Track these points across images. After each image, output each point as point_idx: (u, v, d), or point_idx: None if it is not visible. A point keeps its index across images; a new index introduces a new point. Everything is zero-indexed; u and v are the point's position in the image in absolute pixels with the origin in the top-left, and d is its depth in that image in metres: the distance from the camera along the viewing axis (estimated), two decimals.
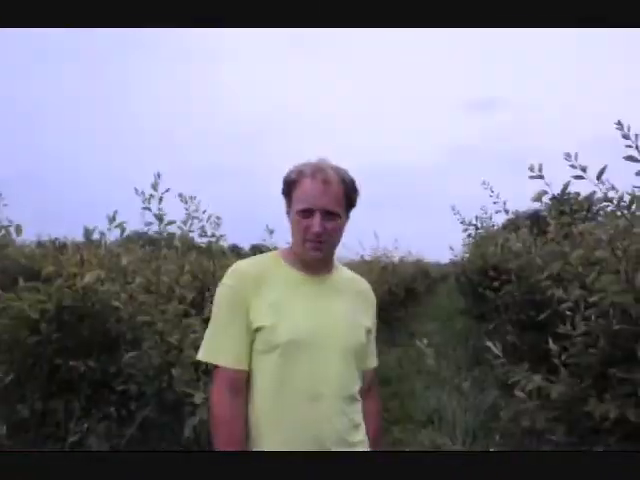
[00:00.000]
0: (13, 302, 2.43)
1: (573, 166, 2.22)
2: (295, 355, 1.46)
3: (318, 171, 1.50)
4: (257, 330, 1.48)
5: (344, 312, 1.57)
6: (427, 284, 20.50)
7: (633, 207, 2.20)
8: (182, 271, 3.04)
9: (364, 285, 1.73)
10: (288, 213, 1.58)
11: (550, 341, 2.41)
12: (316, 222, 1.47)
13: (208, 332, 1.54)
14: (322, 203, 1.48)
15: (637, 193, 2.20)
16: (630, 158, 2.10)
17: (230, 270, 1.56)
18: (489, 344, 2.31)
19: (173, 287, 2.86)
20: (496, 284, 4.75)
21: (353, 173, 1.57)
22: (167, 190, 3.26)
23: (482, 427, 4.60)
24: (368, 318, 1.66)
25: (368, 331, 1.62)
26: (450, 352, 7.65)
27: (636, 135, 2.11)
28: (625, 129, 2.15)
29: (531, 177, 2.37)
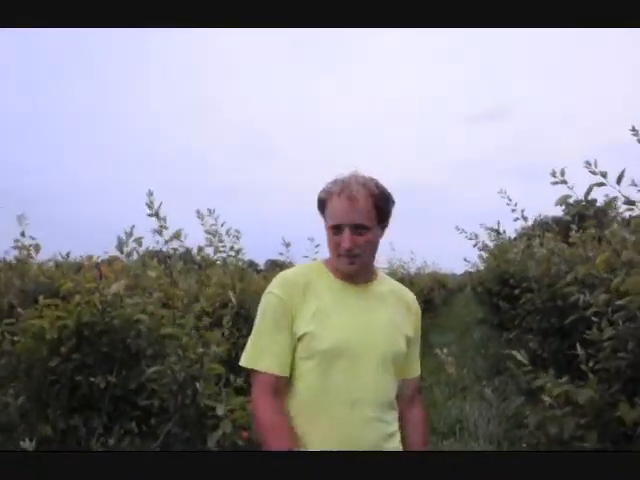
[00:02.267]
0: (33, 320, 2.44)
1: (593, 172, 2.21)
2: (334, 362, 1.49)
3: (344, 189, 1.52)
4: (300, 338, 1.51)
5: (385, 320, 1.59)
6: (444, 295, 20.37)
7: None
8: (203, 285, 3.03)
9: (408, 295, 1.74)
10: (326, 229, 1.61)
11: (578, 346, 2.36)
12: (346, 238, 1.51)
13: (252, 339, 1.57)
14: (349, 219, 1.51)
15: None
16: None
17: (276, 279, 1.60)
18: (514, 352, 2.28)
19: (192, 301, 2.85)
20: (516, 292, 4.70)
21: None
22: (160, 204, 3.25)
23: (506, 436, 4.53)
24: (410, 327, 1.67)
25: (409, 340, 1.64)
26: (469, 362, 7.58)
27: None
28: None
29: (554, 183, 2.35)
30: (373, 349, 1.54)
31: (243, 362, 1.56)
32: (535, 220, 5.30)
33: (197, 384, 2.31)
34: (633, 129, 2.25)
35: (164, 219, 3.20)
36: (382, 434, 1.53)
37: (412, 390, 1.72)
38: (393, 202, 1.60)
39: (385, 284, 1.68)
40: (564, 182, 2.34)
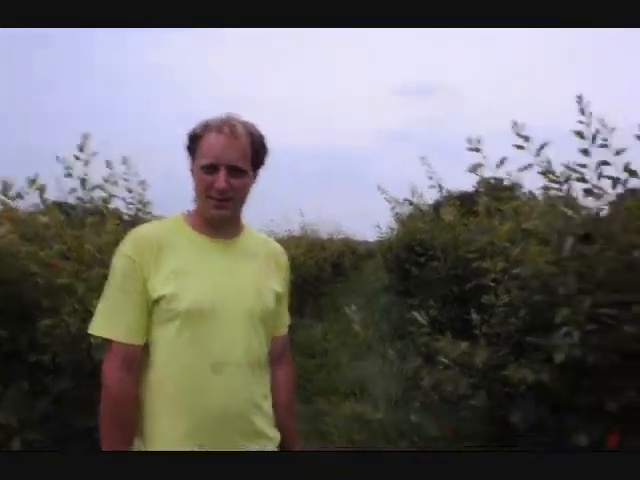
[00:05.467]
0: None
1: (519, 135, 2.24)
2: (197, 323, 1.37)
3: (225, 124, 1.40)
4: (157, 301, 1.37)
5: (252, 276, 1.49)
6: (354, 261, 20.86)
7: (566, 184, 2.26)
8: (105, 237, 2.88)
9: (277, 248, 1.64)
10: (192, 171, 1.46)
11: (472, 312, 2.48)
12: (221, 178, 1.38)
13: (100, 304, 1.42)
14: (228, 158, 1.38)
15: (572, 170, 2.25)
16: (579, 134, 2.15)
17: (127, 236, 1.44)
18: (414, 313, 2.35)
19: (95, 255, 2.70)
20: (422, 260, 4.85)
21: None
22: (94, 154, 3.12)
23: (404, 396, 4.75)
24: (279, 282, 1.57)
25: (278, 296, 1.55)
26: (374, 326, 7.84)
27: (590, 113, 2.16)
28: (583, 104, 2.18)
29: (469, 149, 2.39)
30: (240, 308, 1.43)
31: (91, 329, 1.41)
32: (448, 192, 5.47)
33: (91, 338, 2.19)
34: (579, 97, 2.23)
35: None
36: (254, 397, 1.45)
37: (281, 348, 1.63)
38: (268, 150, 1.50)
39: (252, 238, 1.57)
40: (477, 150, 2.38)
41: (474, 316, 2.45)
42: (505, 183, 2.77)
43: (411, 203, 6.50)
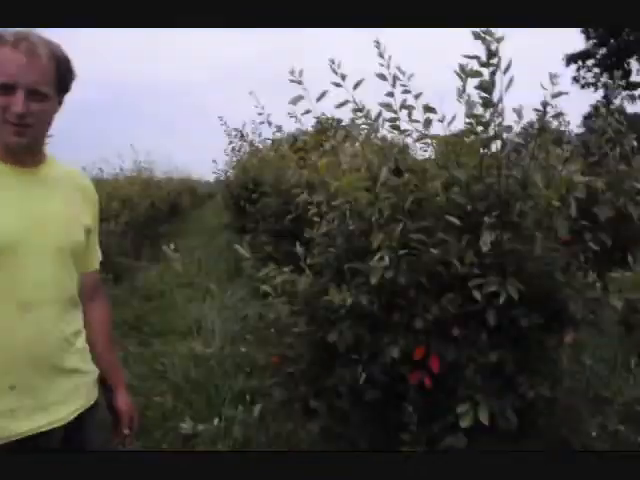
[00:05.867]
0: None
1: (335, 72, 2.28)
2: (1, 260, 1.27)
3: (23, 39, 1.25)
4: None
5: (59, 209, 1.40)
6: (193, 201, 20.42)
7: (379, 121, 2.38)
8: None
9: (84, 180, 1.56)
10: None
11: (297, 244, 2.57)
12: (19, 101, 1.23)
13: None
14: (27, 78, 1.24)
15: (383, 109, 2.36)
16: (381, 76, 2.24)
17: None
18: (236, 247, 2.37)
19: None
20: (254, 196, 4.88)
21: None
22: None
23: (242, 331, 4.86)
24: (88, 216, 1.49)
25: (88, 230, 1.47)
26: (212, 265, 7.82)
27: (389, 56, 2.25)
28: (381, 48, 2.26)
29: (291, 81, 2.38)
30: (47, 242, 1.34)
31: None
32: (278, 128, 5.50)
33: None
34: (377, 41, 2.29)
35: None
36: (65, 334, 1.39)
37: (93, 283, 1.58)
38: (75, 75, 1.38)
39: (57, 168, 1.46)
40: (300, 82, 2.39)
41: (298, 249, 2.53)
42: (329, 120, 2.85)
43: (242, 135, 6.46)
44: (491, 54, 2.06)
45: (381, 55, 2.25)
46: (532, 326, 2.15)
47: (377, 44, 2.27)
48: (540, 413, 2.34)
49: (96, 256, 1.59)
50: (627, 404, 3.42)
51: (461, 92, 2.16)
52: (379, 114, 2.31)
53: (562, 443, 2.67)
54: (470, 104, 2.17)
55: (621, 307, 2.05)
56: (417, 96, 2.23)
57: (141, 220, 8.93)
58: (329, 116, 2.74)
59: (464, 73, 2.08)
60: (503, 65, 2.04)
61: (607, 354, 4.16)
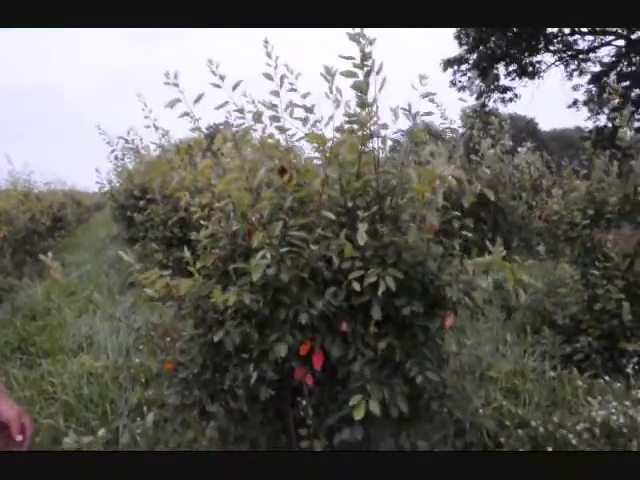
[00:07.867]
0: None
1: (214, 73, 2.29)
2: None
3: None
4: None
5: None
6: (80, 213, 19.43)
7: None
8: None
9: None
10: None
11: (185, 249, 2.54)
12: None
13: None
14: None
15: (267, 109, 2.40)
16: (267, 76, 2.28)
17: None
18: (120, 253, 2.31)
19: None
20: (141, 204, 4.75)
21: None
22: None
23: (134, 343, 4.70)
24: None
25: None
26: (102, 278, 7.48)
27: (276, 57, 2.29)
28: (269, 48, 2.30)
29: (166, 83, 2.36)
30: None
31: None
32: (165, 132, 5.36)
33: None
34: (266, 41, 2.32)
35: None
36: None
37: None
38: None
39: None
40: (176, 85, 2.36)
41: (186, 253, 2.51)
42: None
43: (127, 141, 6.24)
44: (365, 56, 2.17)
45: (269, 55, 2.29)
46: (415, 314, 2.26)
47: (266, 44, 2.31)
48: (431, 397, 2.45)
49: None
50: (507, 379, 3.71)
51: (329, 93, 2.25)
52: (259, 114, 2.35)
53: (455, 424, 2.82)
54: (339, 104, 2.26)
55: (487, 286, 2.19)
56: (305, 96, 2.29)
57: (21, 235, 8.36)
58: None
59: (329, 74, 2.17)
60: (377, 67, 2.16)
61: (490, 335, 4.50)
